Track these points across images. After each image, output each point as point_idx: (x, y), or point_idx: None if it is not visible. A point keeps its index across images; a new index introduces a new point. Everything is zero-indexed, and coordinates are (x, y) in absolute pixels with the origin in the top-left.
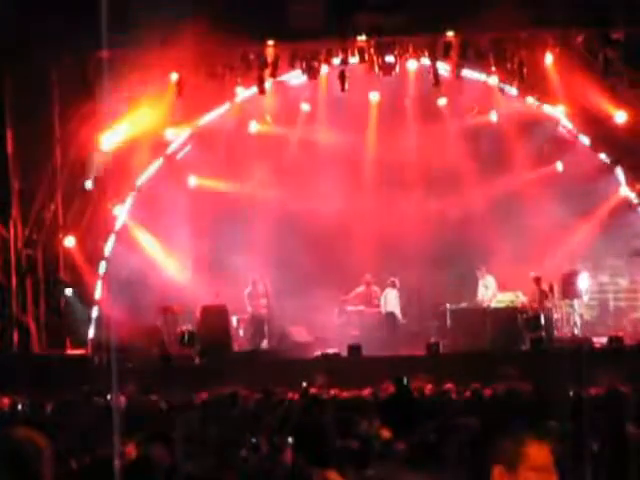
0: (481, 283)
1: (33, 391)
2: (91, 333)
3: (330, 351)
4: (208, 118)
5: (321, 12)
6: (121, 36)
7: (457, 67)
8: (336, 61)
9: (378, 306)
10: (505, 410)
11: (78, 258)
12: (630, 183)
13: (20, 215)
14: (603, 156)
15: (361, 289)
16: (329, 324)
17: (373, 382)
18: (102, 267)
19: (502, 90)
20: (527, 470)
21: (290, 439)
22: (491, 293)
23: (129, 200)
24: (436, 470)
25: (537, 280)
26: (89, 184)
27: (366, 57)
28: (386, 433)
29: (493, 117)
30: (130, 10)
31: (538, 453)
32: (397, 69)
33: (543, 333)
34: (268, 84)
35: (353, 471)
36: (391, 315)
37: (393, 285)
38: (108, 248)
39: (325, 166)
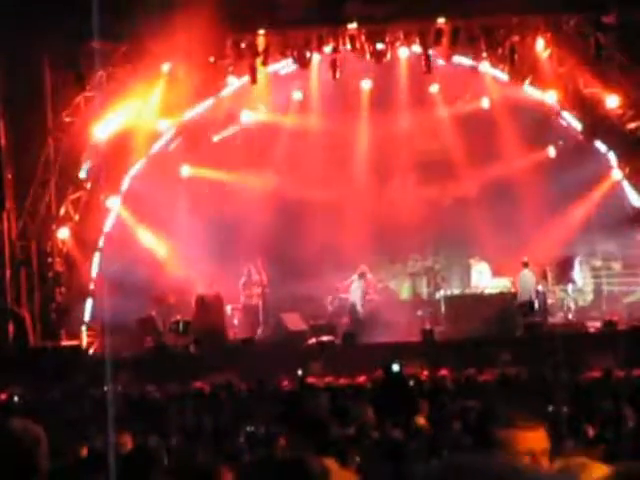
0: (475, 269)
1: (28, 382)
2: (86, 324)
3: (325, 339)
4: (200, 108)
5: (312, 0)
6: (113, 26)
7: (448, 54)
8: (327, 49)
9: (372, 294)
10: (500, 395)
11: (72, 249)
12: (622, 166)
13: (14, 206)
14: (595, 140)
15: (356, 277)
16: (324, 312)
17: (368, 369)
18: (96, 258)
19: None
20: (523, 454)
21: (285, 427)
22: (485, 279)
23: (123, 190)
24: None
25: (526, 265)
26: (82, 175)
27: (357, 45)
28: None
29: (485, 103)
30: (122, 0)
31: (533, 438)
32: (388, 56)
33: (537, 318)
34: (260, 73)
35: (350, 458)
36: (352, 306)
37: (361, 276)
38: (102, 239)
39: (318, 154)
